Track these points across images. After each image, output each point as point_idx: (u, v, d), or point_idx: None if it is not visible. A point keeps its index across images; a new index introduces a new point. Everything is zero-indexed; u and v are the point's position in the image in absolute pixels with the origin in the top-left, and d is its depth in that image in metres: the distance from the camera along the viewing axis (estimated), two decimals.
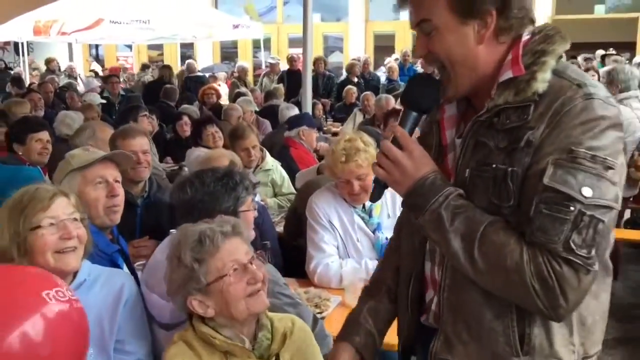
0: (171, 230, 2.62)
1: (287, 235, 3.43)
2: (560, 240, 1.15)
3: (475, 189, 1.26)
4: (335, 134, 7.54)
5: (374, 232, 2.73)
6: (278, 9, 18.23)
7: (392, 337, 1.59)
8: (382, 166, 1.29)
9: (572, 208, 1.14)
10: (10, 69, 14.68)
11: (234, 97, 8.41)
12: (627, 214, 6.14)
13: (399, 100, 7.41)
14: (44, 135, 3.81)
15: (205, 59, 17.31)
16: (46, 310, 1.40)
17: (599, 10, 15.52)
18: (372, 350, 1.52)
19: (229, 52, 18.52)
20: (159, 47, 18.61)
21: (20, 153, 3.73)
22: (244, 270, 1.57)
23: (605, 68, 5.40)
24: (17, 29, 11.81)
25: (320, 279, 2.65)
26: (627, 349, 3.89)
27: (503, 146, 1.22)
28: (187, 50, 17.57)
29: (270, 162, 4.39)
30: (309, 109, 6.33)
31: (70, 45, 17.25)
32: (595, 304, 1.29)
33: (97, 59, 19.67)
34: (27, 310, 1.38)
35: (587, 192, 1.14)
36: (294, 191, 4.26)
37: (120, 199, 2.25)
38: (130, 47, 18.50)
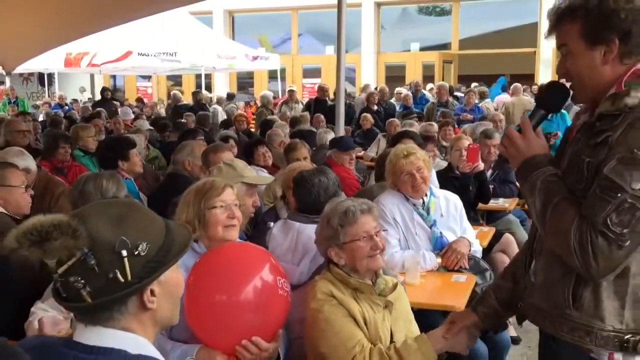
0: (269, 223, 3.23)
1: None
2: (601, 217, 1.45)
3: (567, 172, 1.62)
4: (360, 158, 8.17)
5: (430, 227, 3.32)
6: (293, 41, 19.05)
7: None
8: (504, 144, 1.74)
9: (619, 195, 1.44)
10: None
11: (261, 123, 9.08)
12: None
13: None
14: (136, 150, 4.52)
15: (221, 89, 18.00)
16: (275, 291, 1.98)
17: None
18: (493, 320, 1.94)
19: (244, 82, 19.28)
20: (176, 77, 19.41)
21: (124, 167, 4.36)
22: (370, 239, 2.21)
23: None
24: (49, 60, 12.51)
25: (387, 266, 3.22)
26: None
27: (592, 143, 1.56)
28: (203, 81, 18.33)
29: None
30: (341, 134, 6.94)
31: (92, 76, 18.01)
32: None
33: (115, 89, 20.42)
34: (266, 285, 1.96)
35: (635, 185, 1.44)
36: None
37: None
38: (148, 77, 19.30)
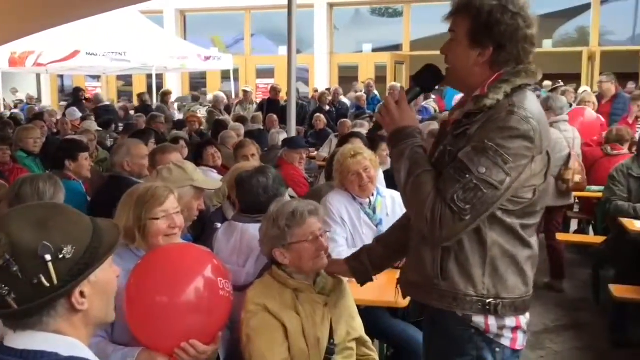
0: (216, 224, 3.21)
1: None
2: (450, 193, 1.67)
3: (437, 158, 1.83)
4: (313, 158, 8.21)
5: (376, 226, 3.36)
6: (245, 42, 18.93)
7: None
8: (380, 112, 1.92)
9: (467, 176, 1.66)
10: None
11: (213, 123, 9.01)
12: (574, 224, 6.97)
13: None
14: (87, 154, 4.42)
15: (174, 89, 17.74)
16: (216, 292, 1.98)
17: (547, 45, 16.73)
18: (362, 275, 2.23)
19: (197, 83, 19.05)
20: (126, 77, 19.03)
21: (71, 168, 4.26)
22: (316, 240, 2.23)
23: (542, 97, 6.17)
24: None
25: None
26: (572, 333, 4.61)
27: (455, 134, 1.81)
28: (154, 81, 18.03)
29: None
30: (293, 135, 6.95)
31: (38, 76, 17.48)
32: (509, 262, 1.78)
33: (63, 89, 19.90)
34: (206, 286, 1.96)
35: (481, 169, 1.66)
36: None
37: None
38: (97, 77, 18.85)
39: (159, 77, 17.40)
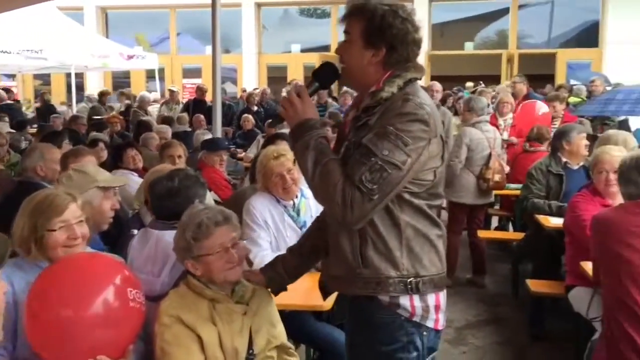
0: (132, 230, 3.08)
1: None
2: (358, 175, 1.75)
3: (344, 155, 1.89)
4: (240, 159, 8.10)
5: (301, 228, 3.29)
6: (171, 41, 18.50)
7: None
8: (283, 106, 1.95)
9: (372, 159, 1.76)
10: None
11: (136, 124, 8.72)
12: (495, 221, 7.21)
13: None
14: None
15: (95, 89, 17.11)
16: (126, 304, 1.88)
17: (469, 47, 17.29)
18: (278, 284, 2.25)
19: (121, 82, 18.42)
20: (44, 76, 18.19)
21: None
22: (226, 252, 2.14)
23: (464, 98, 6.33)
24: None
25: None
26: (492, 328, 4.75)
27: (357, 126, 1.90)
28: (74, 80, 17.33)
29: None
30: (218, 136, 6.82)
31: None
32: (422, 240, 1.89)
33: None
34: (114, 297, 1.86)
35: (385, 152, 1.76)
36: None
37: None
38: (12, 76, 17.93)
39: (79, 76, 16.74)
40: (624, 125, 7.74)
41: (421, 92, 1.91)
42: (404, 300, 1.88)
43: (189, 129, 8.53)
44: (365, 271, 1.87)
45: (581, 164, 4.93)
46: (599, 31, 15.62)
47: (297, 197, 3.38)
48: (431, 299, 1.92)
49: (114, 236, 3.31)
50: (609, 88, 9.37)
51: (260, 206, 3.30)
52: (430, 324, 1.93)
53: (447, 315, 2.02)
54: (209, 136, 6.41)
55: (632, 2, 14.42)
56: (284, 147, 3.52)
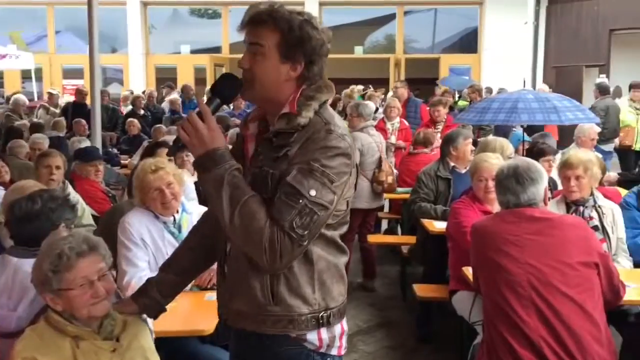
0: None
1: None
2: (288, 221, 1.63)
3: (253, 183, 1.73)
4: (125, 166, 7.67)
5: None
6: (49, 39, 17.37)
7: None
8: (185, 131, 1.71)
9: (300, 201, 1.64)
10: None
11: (6, 130, 8.04)
12: (385, 224, 7.34)
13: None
14: None
15: None
16: None
17: (358, 51, 17.66)
18: (154, 310, 2.05)
19: None
20: None
21: None
22: (91, 286, 1.94)
23: (352, 104, 6.46)
24: None
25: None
26: (383, 332, 4.80)
27: (274, 156, 1.74)
28: None
29: (73, 193, 4.50)
30: (99, 142, 6.44)
31: None
32: (333, 272, 1.82)
33: None
34: None
35: (312, 192, 1.65)
36: (92, 222, 4.44)
37: None
38: None
39: None
40: (500, 130, 8.20)
41: (337, 119, 1.80)
42: (312, 335, 1.81)
43: (62, 135, 7.92)
44: (275, 308, 1.77)
45: (468, 167, 5.10)
46: (478, 37, 16.49)
47: (177, 212, 3.20)
48: (337, 328, 1.87)
49: None
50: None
51: (137, 223, 3.09)
52: (334, 352, 1.88)
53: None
54: (86, 143, 6.00)
55: (505, 10, 15.34)
56: (162, 159, 3.30)
